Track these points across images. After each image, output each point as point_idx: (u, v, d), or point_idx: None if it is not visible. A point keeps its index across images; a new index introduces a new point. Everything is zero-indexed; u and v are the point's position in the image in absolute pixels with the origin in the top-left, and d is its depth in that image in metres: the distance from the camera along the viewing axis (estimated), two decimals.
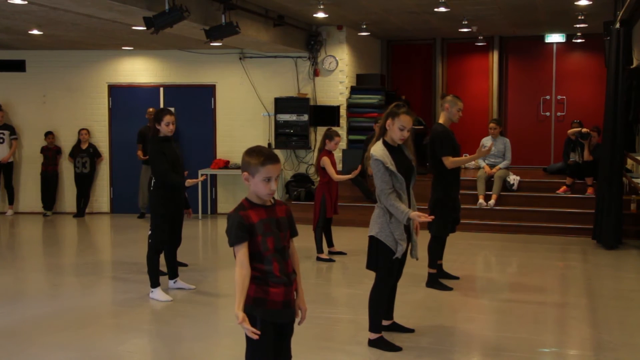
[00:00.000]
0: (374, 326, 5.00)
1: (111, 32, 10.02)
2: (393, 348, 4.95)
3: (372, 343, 5.01)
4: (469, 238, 9.48)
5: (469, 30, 11.64)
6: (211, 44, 9.36)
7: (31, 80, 12.52)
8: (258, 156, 3.26)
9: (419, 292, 6.65)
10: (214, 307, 6.40)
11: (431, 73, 14.08)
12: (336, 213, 8.31)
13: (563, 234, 9.80)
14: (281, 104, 11.54)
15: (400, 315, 5.51)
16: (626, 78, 9.04)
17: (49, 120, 12.48)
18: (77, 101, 12.50)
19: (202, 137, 12.25)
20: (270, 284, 3.26)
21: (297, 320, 3.45)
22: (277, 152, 11.16)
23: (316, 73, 11.76)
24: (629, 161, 10.25)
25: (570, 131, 10.52)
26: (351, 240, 9.04)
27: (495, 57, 13.66)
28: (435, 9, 9.43)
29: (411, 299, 6.34)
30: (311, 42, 11.48)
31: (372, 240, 4.88)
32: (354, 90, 11.94)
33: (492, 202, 10.25)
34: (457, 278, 7.11)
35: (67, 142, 12.43)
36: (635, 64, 9.59)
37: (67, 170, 12.46)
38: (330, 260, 8.17)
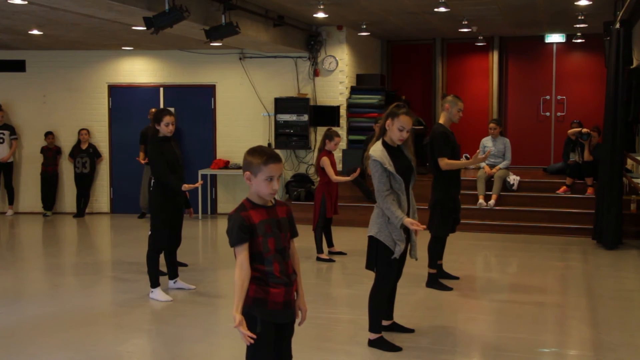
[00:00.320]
0: (374, 326, 5.00)
1: (111, 32, 10.02)
2: (393, 348, 4.95)
3: (372, 343, 5.01)
4: (469, 238, 9.48)
5: (469, 30, 11.65)
6: (211, 44, 9.36)
7: (31, 80, 12.52)
8: (260, 155, 3.25)
9: (419, 292, 6.65)
10: (214, 307, 6.39)
11: (431, 73, 14.08)
12: (336, 213, 8.31)
13: (563, 234, 9.80)
14: (281, 104, 11.54)
15: (400, 315, 5.51)
16: (626, 78, 9.05)
17: (49, 120, 12.48)
18: (77, 101, 12.50)
19: (202, 137, 12.26)
20: (271, 285, 3.26)
21: (297, 320, 3.44)
22: (277, 152, 11.14)
23: (316, 73, 11.76)
24: (629, 161, 10.26)
25: (570, 131, 10.52)
26: (351, 240, 9.04)
27: (495, 57, 13.66)
28: (435, 9, 9.43)
29: (411, 299, 6.34)
30: (311, 42, 11.47)
31: (371, 240, 4.88)
32: (354, 90, 11.94)
33: (492, 202, 10.25)
34: (457, 278, 7.11)
35: (67, 142, 12.43)
36: (635, 64, 9.59)
37: (67, 171, 12.46)
38: (330, 260, 8.17)
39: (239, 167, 11.60)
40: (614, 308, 6.23)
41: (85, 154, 12.17)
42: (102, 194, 12.57)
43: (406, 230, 4.86)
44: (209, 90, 12.26)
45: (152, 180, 6.49)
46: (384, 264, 4.85)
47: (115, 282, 7.37)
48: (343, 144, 11.64)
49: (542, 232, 9.91)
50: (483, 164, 10.56)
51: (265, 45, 10.63)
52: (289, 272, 3.34)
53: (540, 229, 9.96)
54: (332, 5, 9.34)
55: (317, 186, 8.31)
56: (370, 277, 5.10)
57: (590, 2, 9.03)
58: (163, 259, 6.60)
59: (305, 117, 11.45)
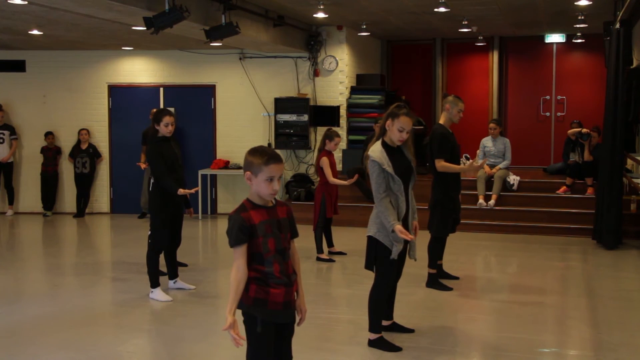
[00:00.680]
0: (374, 326, 4.99)
1: (111, 32, 10.02)
2: (393, 348, 4.95)
3: (372, 343, 5.01)
4: (469, 238, 9.48)
5: (469, 30, 11.65)
6: (211, 44, 9.36)
7: (31, 80, 12.52)
8: (261, 155, 3.24)
9: (419, 292, 6.65)
10: (214, 307, 6.39)
11: (431, 73, 14.08)
12: (336, 213, 8.31)
13: (563, 234, 9.80)
14: (281, 104, 11.54)
15: (400, 315, 5.51)
16: (626, 78, 9.05)
17: (49, 121, 12.48)
18: (77, 101, 12.50)
19: (202, 137, 12.26)
20: (271, 285, 3.26)
21: (297, 320, 3.44)
22: (277, 152, 11.14)
23: (316, 73, 11.76)
24: (629, 161, 10.26)
25: (570, 131, 10.52)
26: (351, 240, 9.04)
27: (495, 57, 13.67)
28: (435, 9, 9.43)
29: (411, 299, 6.34)
30: (311, 42, 11.48)
31: (370, 240, 4.88)
32: (354, 90, 11.94)
33: (492, 202, 10.26)
34: (457, 278, 7.12)
35: (67, 142, 12.43)
36: (635, 64, 9.60)
37: (67, 171, 12.46)
38: (330, 260, 8.17)
39: (239, 167, 11.60)
40: (614, 308, 6.23)
41: (85, 154, 12.17)
42: (102, 194, 12.57)
43: (406, 230, 4.86)
44: (209, 90, 12.26)
45: (152, 181, 6.49)
46: (383, 264, 4.85)
47: (115, 282, 7.37)
48: (343, 144, 11.64)
49: (542, 232, 9.91)
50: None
51: (265, 45, 10.63)
52: (289, 272, 3.33)
53: (540, 229, 9.96)
54: (332, 5, 9.34)
55: (317, 186, 8.31)
56: (370, 277, 5.10)
57: (590, 2, 9.03)
58: (163, 259, 6.60)
59: (305, 117, 11.45)
